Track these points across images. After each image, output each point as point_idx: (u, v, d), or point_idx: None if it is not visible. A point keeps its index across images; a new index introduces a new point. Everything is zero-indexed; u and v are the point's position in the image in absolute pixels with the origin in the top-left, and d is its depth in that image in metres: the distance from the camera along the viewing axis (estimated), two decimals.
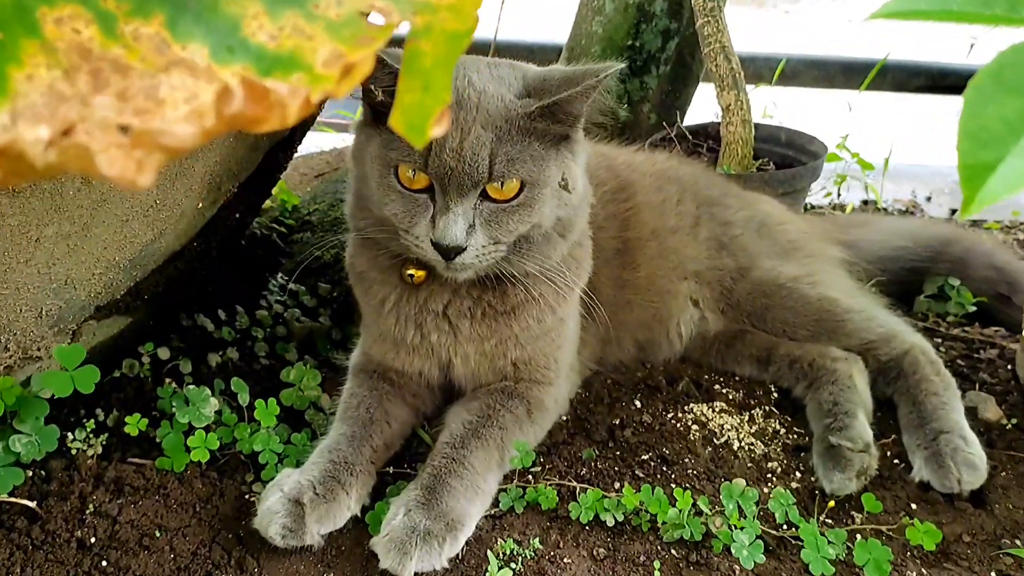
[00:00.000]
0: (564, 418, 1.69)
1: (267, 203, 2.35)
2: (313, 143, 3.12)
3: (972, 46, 3.48)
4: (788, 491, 1.49)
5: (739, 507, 1.42)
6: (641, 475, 1.56)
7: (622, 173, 1.89)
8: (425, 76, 0.55)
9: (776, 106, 3.19)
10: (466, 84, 1.34)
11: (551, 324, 1.57)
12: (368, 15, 0.56)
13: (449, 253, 1.33)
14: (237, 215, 1.63)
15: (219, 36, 0.56)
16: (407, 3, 0.56)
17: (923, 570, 1.41)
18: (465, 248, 1.33)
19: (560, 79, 1.34)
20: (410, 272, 1.48)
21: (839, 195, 3.15)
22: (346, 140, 3.15)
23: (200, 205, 1.47)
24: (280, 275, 2.07)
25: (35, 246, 1.21)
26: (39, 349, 1.39)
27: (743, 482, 1.45)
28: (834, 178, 3.10)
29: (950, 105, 3.97)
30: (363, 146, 1.42)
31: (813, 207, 3.06)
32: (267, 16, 0.56)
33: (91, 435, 1.51)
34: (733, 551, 1.36)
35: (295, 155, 1.83)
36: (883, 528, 1.46)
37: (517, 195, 1.35)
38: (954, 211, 3.25)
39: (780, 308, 1.81)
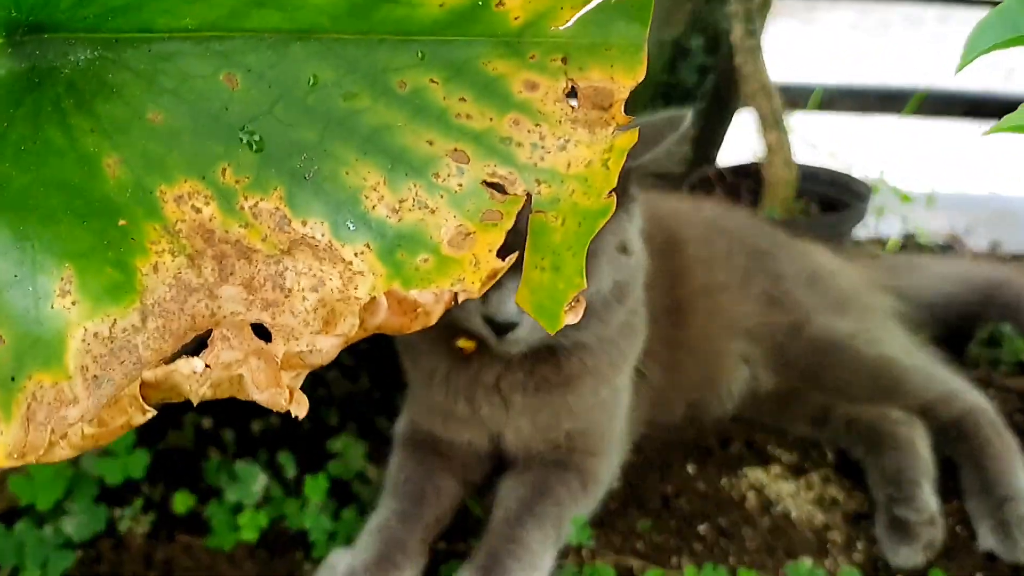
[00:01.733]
0: (616, 486, 1.65)
1: None
2: None
3: (1011, 72, 3.43)
4: (852, 566, 1.44)
5: None
6: (699, 548, 1.52)
7: (669, 225, 1.85)
8: (554, 255, 0.51)
9: (813, 130, 3.14)
10: None
11: (606, 394, 1.53)
12: (491, 185, 0.53)
13: (501, 329, 1.30)
14: None
15: (339, 209, 0.54)
16: (530, 170, 0.53)
17: None
18: (518, 323, 1.30)
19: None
20: (460, 344, 1.45)
21: (876, 227, 3.09)
22: None
23: None
24: None
25: None
26: None
27: (809, 561, 1.41)
28: (873, 212, 3.05)
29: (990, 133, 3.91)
30: None
31: (852, 241, 3.00)
32: (387, 187, 0.54)
33: (139, 513, 1.49)
34: None
35: None
36: None
37: None
38: (995, 242, 3.19)
39: (836, 367, 1.77)
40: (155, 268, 0.52)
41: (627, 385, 1.62)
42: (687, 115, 1.32)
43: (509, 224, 0.53)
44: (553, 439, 1.54)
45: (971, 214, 3.46)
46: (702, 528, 1.56)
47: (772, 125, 2.38)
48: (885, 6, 6.49)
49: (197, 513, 1.52)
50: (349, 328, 0.51)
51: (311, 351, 0.50)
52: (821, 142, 2.98)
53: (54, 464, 1.34)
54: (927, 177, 3.10)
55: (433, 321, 0.52)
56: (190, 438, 1.63)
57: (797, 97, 3.39)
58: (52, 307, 0.51)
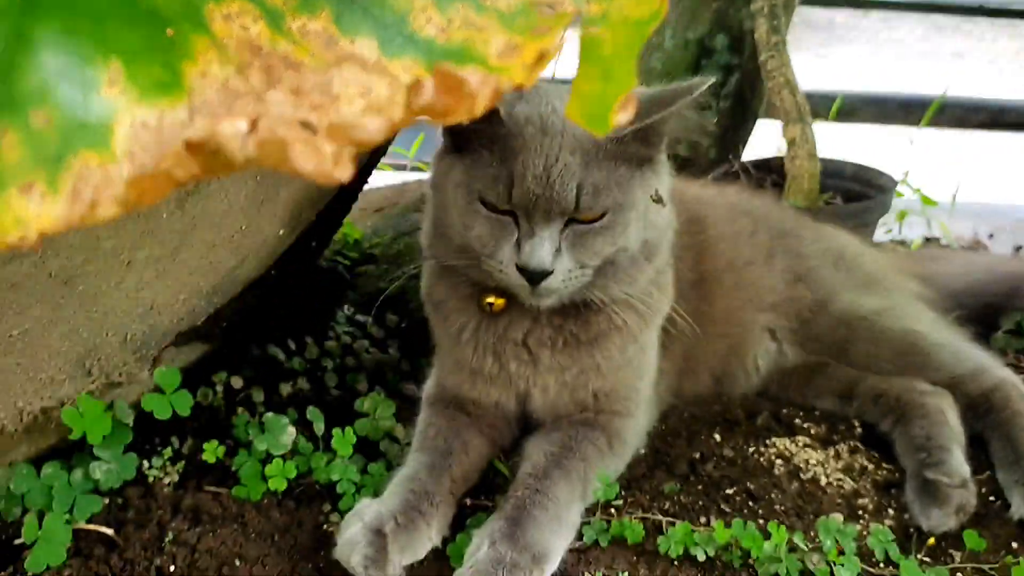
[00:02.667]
0: (642, 451, 1.64)
1: None
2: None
3: None
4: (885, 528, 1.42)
5: (837, 543, 1.35)
6: (727, 510, 1.50)
7: (693, 206, 1.86)
8: (604, 65, 0.53)
9: (834, 139, 3.16)
10: (550, 110, 1.33)
11: (633, 353, 1.53)
12: (542, 5, 0.55)
13: (535, 277, 1.31)
14: (313, 243, 1.62)
15: (387, 30, 0.55)
16: None
17: None
18: (551, 272, 1.31)
19: (649, 100, 1.32)
20: (489, 300, 1.46)
21: (900, 231, 3.09)
22: (402, 178, 3.16)
23: (281, 232, 1.47)
24: (346, 307, 2.06)
25: (127, 270, 1.21)
26: (120, 375, 1.39)
27: (840, 517, 1.39)
28: (895, 214, 3.05)
29: (1010, 142, 3.92)
30: (444, 175, 1.41)
31: (875, 244, 3.00)
32: (435, 9, 0.55)
33: (168, 463, 1.50)
34: None
35: (367, 183, 1.83)
36: (985, 567, 1.39)
37: (602, 217, 1.33)
38: (1019, 248, 3.18)
39: (863, 341, 1.76)
40: (203, 74, 0.54)
41: (654, 346, 1.62)
42: (702, 82, 1.33)
43: (557, 36, 0.55)
44: (581, 399, 1.54)
45: (994, 221, 3.46)
46: (730, 491, 1.54)
47: (796, 119, 2.40)
48: (901, 33, 6.56)
49: (226, 466, 1.53)
50: (394, 110, 0.52)
51: (356, 126, 0.51)
52: (843, 152, 3.00)
53: (103, 403, 1.36)
54: (950, 185, 3.10)
55: (479, 108, 0.53)
56: (220, 397, 1.64)
57: (819, 107, 3.43)
58: (100, 95, 0.52)
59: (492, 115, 1.29)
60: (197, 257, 1.31)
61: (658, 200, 1.38)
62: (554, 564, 1.33)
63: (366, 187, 2.92)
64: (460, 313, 1.51)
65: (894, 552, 1.38)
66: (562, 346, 1.49)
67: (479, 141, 1.33)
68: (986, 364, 1.73)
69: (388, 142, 1.75)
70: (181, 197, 1.18)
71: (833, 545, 1.35)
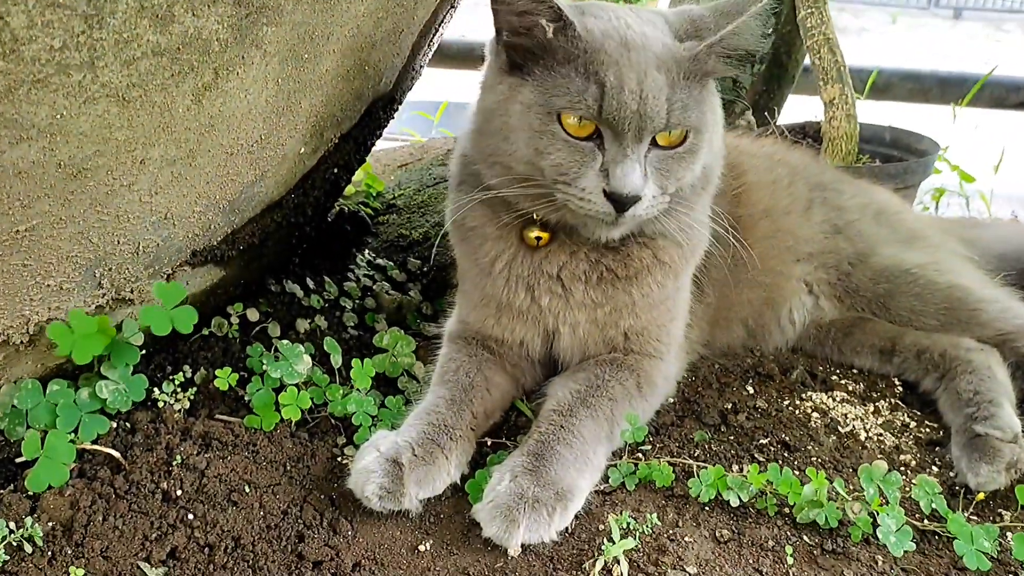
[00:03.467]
0: (671, 400, 1.57)
1: (351, 189, 2.30)
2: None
3: None
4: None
5: (881, 492, 1.27)
6: (761, 459, 1.43)
7: (731, 153, 1.78)
8: None
9: (869, 116, 3.07)
10: (625, 25, 1.26)
11: (670, 291, 1.46)
12: None
13: (626, 204, 1.24)
14: (335, 171, 1.56)
15: None
16: None
17: None
18: (641, 197, 1.24)
19: (714, 16, 1.28)
20: (536, 235, 1.39)
21: (936, 210, 2.99)
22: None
23: (302, 150, 1.40)
24: (367, 252, 2.00)
25: (140, 168, 1.15)
26: (132, 291, 1.33)
27: (884, 464, 1.31)
28: (932, 192, 2.96)
29: None
30: (505, 97, 1.29)
31: None
32: None
33: (178, 389, 1.44)
34: (879, 537, 1.22)
35: (392, 120, 1.76)
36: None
37: (683, 141, 1.28)
38: None
39: (905, 295, 1.68)
40: None
41: (687, 289, 1.55)
42: None
43: None
44: (611, 338, 1.46)
45: None
46: (764, 441, 1.47)
47: (834, 78, 2.32)
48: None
49: (239, 396, 1.47)
50: None
51: None
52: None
53: (96, 320, 1.30)
54: (989, 166, 3.00)
55: None
56: (235, 328, 1.58)
57: (853, 81, 3.34)
58: None
59: (566, 29, 1.22)
60: (214, 165, 1.24)
61: (748, 126, 1.32)
62: (579, 503, 1.26)
63: (388, 147, 2.89)
64: (496, 242, 1.43)
65: (941, 505, 1.30)
66: (596, 282, 1.42)
67: (553, 57, 1.24)
68: None
69: (409, 85, 1.69)
70: (198, 91, 1.11)
71: (876, 494, 1.27)
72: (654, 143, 1.26)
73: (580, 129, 1.24)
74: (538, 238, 1.39)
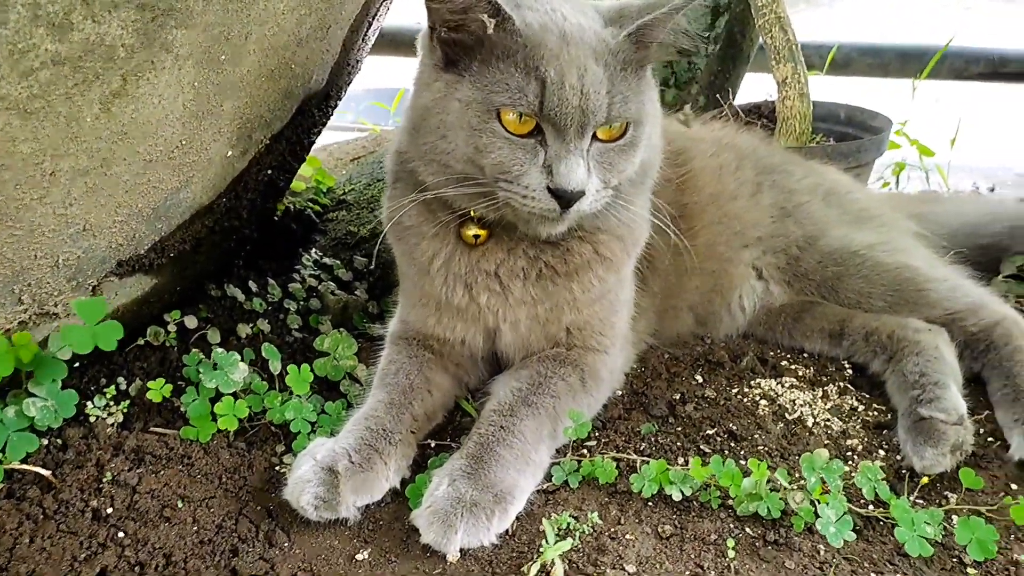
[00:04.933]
0: (619, 393, 1.55)
1: (301, 185, 2.26)
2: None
3: None
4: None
5: (823, 480, 1.26)
6: (707, 450, 1.41)
7: (677, 139, 1.76)
8: None
9: (828, 92, 3.04)
10: (562, 17, 1.23)
11: (612, 285, 1.44)
12: None
13: (571, 200, 1.21)
14: (269, 172, 1.52)
15: None
16: None
17: None
18: (586, 193, 1.22)
19: (640, 7, 1.26)
20: (474, 232, 1.36)
21: (897, 184, 2.98)
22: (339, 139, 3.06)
23: (230, 153, 1.37)
24: (314, 250, 1.97)
25: (50, 181, 1.11)
26: (56, 304, 1.29)
27: (826, 453, 1.30)
28: (891, 167, 2.94)
29: (1011, 93, 3.79)
30: (443, 94, 1.25)
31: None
32: None
33: (111, 402, 1.41)
34: (819, 528, 1.21)
35: (330, 118, 1.72)
36: (982, 509, 1.30)
37: (623, 134, 1.26)
38: (1022, 200, 3.07)
39: (854, 277, 1.67)
40: None
41: (631, 282, 1.53)
42: None
43: None
44: (553, 333, 1.44)
45: (995, 177, 3.35)
46: (710, 431, 1.45)
47: (786, 57, 2.29)
48: None
49: (176, 407, 1.44)
50: None
51: None
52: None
53: (3, 338, 1.26)
54: (948, 138, 2.99)
55: None
56: (173, 336, 1.55)
57: (813, 57, 3.31)
58: None
59: (504, 23, 1.19)
60: (132, 173, 1.20)
61: (684, 122, 1.30)
62: (519, 504, 1.24)
63: (342, 140, 2.85)
64: (432, 241, 1.40)
65: (884, 491, 1.29)
66: (536, 278, 1.40)
67: (491, 52, 1.21)
68: (985, 300, 1.64)
69: (346, 80, 1.65)
70: (106, 98, 1.07)
71: (818, 483, 1.26)
72: (595, 137, 1.24)
73: (520, 126, 1.21)
74: (476, 236, 1.37)
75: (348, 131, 3.26)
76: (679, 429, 1.47)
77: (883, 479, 1.31)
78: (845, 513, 1.23)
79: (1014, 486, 1.38)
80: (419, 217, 1.41)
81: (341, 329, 1.62)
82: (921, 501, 1.33)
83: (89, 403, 1.40)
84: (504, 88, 1.19)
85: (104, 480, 1.27)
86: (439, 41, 1.25)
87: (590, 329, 1.46)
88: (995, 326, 1.58)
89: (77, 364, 1.41)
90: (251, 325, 1.64)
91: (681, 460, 1.39)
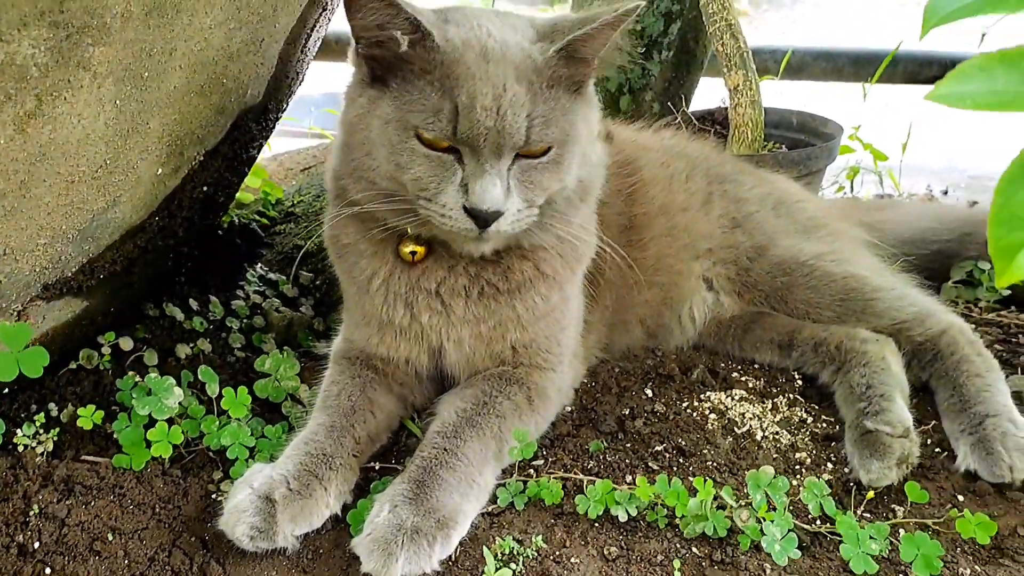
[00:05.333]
0: (568, 409, 1.53)
1: (249, 196, 2.22)
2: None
3: (984, 36, 3.36)
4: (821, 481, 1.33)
5: (768, 498, 1.25)
6: (655, 467, 1.40)
7: (626, 148, 1.75)
8: None
9: (784, 96, 3.05)
10: (486, 34, 1.20)
11: (556, 303, 1.42)
12: None
13: (487, 220, 1.19)
14: (205, 189, 1.48)
15: None
16: None
17: (976, 567, 1.24)
18: (503, 213, 1.19)
19: (574, 20, 1.23)
20: (411, 249, 1.33)
21: (852, 189, 3.00)
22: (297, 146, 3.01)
23: (160, 171, 1.32)
24: (260, 265, 1.92)
25: None
26: None
27: (771, 470, 1.28)
28: (846, 171, 2.96)
29: None
30: (365, 111, 1.24)
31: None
32: None
33: (41, 431, 1.36)
34: (764, 546, 1.20)
35: (271, 131, 1.68)
36: (928, 522, 1.30)
37: (548, 151, 1.23)
38: (974, 203, 3.11)
39: (802, 287, 1.66)
40: None
41: (578, 297, 1.51)
42: (633, 4, 1.22)
43: None
44: (498, 352, 1.42)
45: (948, 179, 3.38)
46: (659, 447, 1.44)
47: (738, 64, 2.29)
48: None
49: (108, 434, 1.39)
50: None
51: None
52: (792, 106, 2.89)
53: None
54: (901, 142, 3.01)
55: None
56: (107, 359, 1.50)
57: (768, 62, 3.32)
58: None
59: (423, 40, 1.16)
60: (54, 194, 1.16)
61: (600, 138, 1.28)
62: (462, 529, 1.21)
63: (292, 148, 2.80)
64: (371, 259, 1.38)
65: (830, 507, 1.28)
66: (477, 296, 1.37)
67: (410, 69, 1.19)
68: (932, 309, 1.64)
69: (286, 93, 1.61)
70: (20, 119, 1.03)
71: (763, 500, 1.24)
72: (519, 154, 1.21)
73: (440, 142, 1.18)
74: (413, 253, 1.34)
75: (302, 137, 3.21)
76: (628, 446, 1.45)
77: (829, 494, 1.30)
78: (791, 530, 1.22)
79: (961, 497, 1.37)
80: (356, 235, 1.38)
81: (285, 348, 1.58)
82: (868, 515, 1.33)
83: (18, 431, 1.35)
84: (420, 108, 1.18)
85: (31, 513, 1.23)
86: (362, 56, 1.22)
87: (536, 347, 1.43)
88: (941, 335, 1.58)
89: (6, 391, 1.36)
90: (191, 345, 1.59)
91: (629, 478, 1.37)
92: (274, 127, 1.67)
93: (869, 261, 1.75)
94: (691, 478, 1.36)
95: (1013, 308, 1.97)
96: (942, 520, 1.30)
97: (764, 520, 1.22)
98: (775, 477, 1.28)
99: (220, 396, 1.40)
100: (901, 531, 1.27)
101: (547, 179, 1.23)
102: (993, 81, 0.72)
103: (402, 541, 1.13)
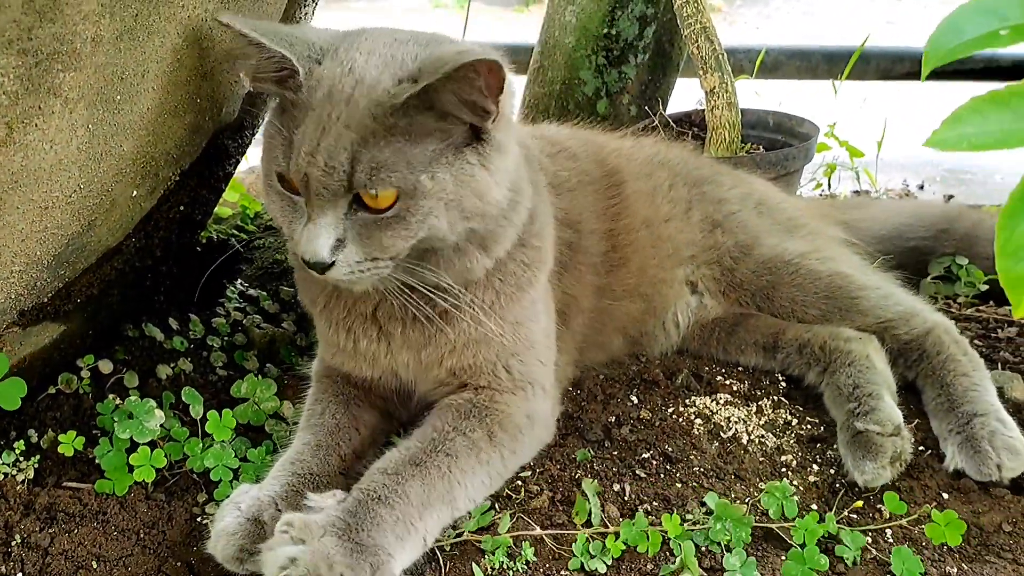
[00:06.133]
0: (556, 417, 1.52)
1: (227, 211, 2.20)
2: None
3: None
4: (808, 487, 1.33)
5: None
6: (643, 475, 1.40)
7: (610, 161, 1.74)
8: None
9: (759, 96, 3.07)
10: (346, 70, 1.13)
11: (498, 328, 1.33)
12: None
13: (315, 268, 1.14)
14: (182, 208, 1.47)
15: None
16: None
17: (963, 565, 1.26)
18: (331, 264, 1.14)
19: (435, 61, 1.10)
20: None
21: (829, 186, 3.02)
22: None
23: (135, 193, 1.31)
24: (240, 281, 1.91)
25: None
26: None
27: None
28: (823, 168, 2.98)
29: (937, 90, 3.88)
30: (264, 138, 1.23)
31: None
32: None
33: (21, 458, 1.34)
34: None
35: (248, 148, 1.67)
36: (908, 525, 1.31)
37: (392, 205, 1.12)
38: (949, 197, 3.14)
39: (788, 286, 1.67)
40: None
41: (538, 317, 1.43)
42: (485, 53, 1.06)
43: None
44: (440, 377, 1.37)
45: (923, 173, 3.42)
46: (646, 455, 1.44)
47: (713, 67, 2.29)
48: None
49: (90, 459, 1.37)
50: None
51: None
52: (769, 106, 2.90)
53: None
54: (877, 137, 3.04)
55: None
56: (87, 383, 1.48)
57: (743, 61, 3.34)
58: None
59: (293, 77, 1.14)
60: (27, 221, 1.14)
61: (446, 191, 1.15)
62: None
63: None
64: (315, 282, 1.35)
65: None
66: (412, 321, 1.31)
67: (286, 105, 1.16)
68: (917, 307, 1.65)
69: (263, 110, 1.59)
70: None
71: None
72: (362, 205, 1.13)
73: (293, 184, 1.16)
74: None
75: None
76: (615, 454, 1.45)
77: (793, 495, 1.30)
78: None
79: (945, 495, 1.39)
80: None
81: (268, 367, 1.57)
82: (855, 516, 1.33)
83: None
84: (275, 145, 1.16)
85: (13, 543, 1.21)
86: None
87: (476, 370, 1.36)
88: (927, 335, 1.59)
89: None
90: (172, 365, 1.58)
91: (616, 486, 1.37)
92: (251, 143, 1.66)
93: (854, 260, 1.76)
94: (678, 485, 1.37)
95: (991, 303, 2.00)
96: (915, 517, 1.31)
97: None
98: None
99: (204, 419, 1.38)
100: (887, 531, 1.29)
101: (388, 236, 1.14)
102: (986, 122, 0.76)
103: None
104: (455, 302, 1.27)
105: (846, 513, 1.32)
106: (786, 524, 1.28)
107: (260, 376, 1.52)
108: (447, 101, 1.11)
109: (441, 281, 1.23)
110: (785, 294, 1.67)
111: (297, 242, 1.16)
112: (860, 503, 1.34)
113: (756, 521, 1.28)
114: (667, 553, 1.24)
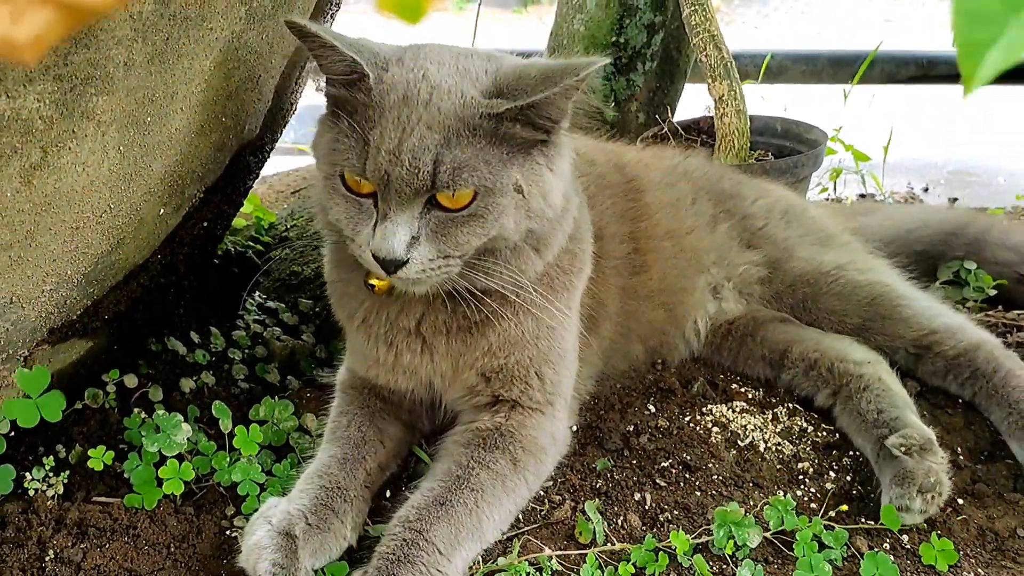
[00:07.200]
0: (574, 428, 1.54)
1: (242, 222, 2.22)
2: (283, 165, 2.99)
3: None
4: (824, 494, 1.35)
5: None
6: (663, 483, 1.42)
7: (631, 171, 1.76)
8: None
9: (765, 100, 3.09)
10: (419, 77, 1.17)
11: (535, 329, 1.37)
12: None
13: (388, 266, 1.17)
14: (205, 224, 1.49)
15: None
16: None
17: (979, 570, 1.28)
18: (406, 262, 1.16)
19: (537, 76, 1.17)
20: (371, 282, 1.30)
21: (835, 190, 3.04)
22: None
23: (162, 211, 1.33)
24: (258, 293, 1.93)
25: None
26: None
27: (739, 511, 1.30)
28: (829, 172, 3.00)
29: (941, 94, 3.91)
30: (316, 144, 1.26)
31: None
32: None
33: (51, 474, 1.36)
34: None
35: (266, 162, 1.69)
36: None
37: (469, 204, 1.17)
38: (954, 200, 3.16)
39: (827, 296, 1.68)
40: None
41: (570, 331, 1.45)
42: (591, 63, 1.15)
43: None
44: (466, 381, 1.38)
45: (928, 176, 3.44)
46: (665, 463, 1.46)
47: (722, 75, 2.31)
48: None
49: (118, 473, 1.39)
50: None
51: None
52: (776, 112, 2.93)
53: None
54: (883, 141, 3.06)
55: None
56: (113, 398, 1.50)
57: (748, 67, 3.36)
58: None
59: (362, 80, 1.17)
60: (59, 242, 1.17)
61: (518, 191, 1.20)
62: None
63: (281, 170, 2.80)
64: (353, 297, 1.38)
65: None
66: (456, 331, 1.34)
67: (347, 108, 1.19)
68: (961, 322, 1.66)
69: (280, 125, 1.61)
70: (26, 171, 1.03)
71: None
72: (437, 205, 1.17)
73: (360, 185, 1.18)
74: (372, 285, 1.30)
75: (288, 155, 3.20)
76: (634, 462, 1.47)
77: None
78: None
79: (960, 500, 1.41)
80: (338, 270, 1.41)
81: (289, 379, 1.59)
82: (871, 522, 1.36)
83: (27, 475, 1.35)
84: (344, 146, 1.18)
85: (47, 558, 1.23)
86: (326, 89, 1.25)
87: (508, 374, 1.38)
88: (976, 350, 1.59)
89: (12, 433, 1.36)
90: (195, 379, 1.60)
91: (636, 495, 1.39)
92: (268, 158, 1.68)
93: (891, 270, 1.76)
94: (697, 493, 1.39)
95: (1000, 307, 2.01)
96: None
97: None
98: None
99: (232, 433, 1.40)
100: (904, 537, 1.31)
101: (465, 234, 1.19)
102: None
103: None
104: (500, 307, 1.31)
105: (862, 521, 1.35)
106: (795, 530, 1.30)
107: (278, 396, 1.53)
108: (543, 114, 1.18)
109: (493, 284, 1.26)
110: (824, 305, 1.68)
111: (366, 241, 1.19)
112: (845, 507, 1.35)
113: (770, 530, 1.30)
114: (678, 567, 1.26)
